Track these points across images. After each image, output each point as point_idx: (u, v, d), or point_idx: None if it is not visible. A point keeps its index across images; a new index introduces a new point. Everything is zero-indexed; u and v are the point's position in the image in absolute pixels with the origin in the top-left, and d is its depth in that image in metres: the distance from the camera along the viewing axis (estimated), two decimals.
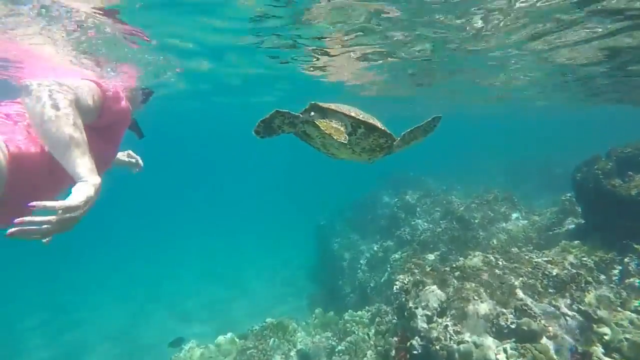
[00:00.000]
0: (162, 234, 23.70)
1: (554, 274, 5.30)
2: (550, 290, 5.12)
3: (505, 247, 7.05)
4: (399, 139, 2.41)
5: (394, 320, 6.45)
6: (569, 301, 4.90)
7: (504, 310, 4.69)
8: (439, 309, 5.04)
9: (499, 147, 28.46)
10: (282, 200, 33.68)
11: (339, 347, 7.43)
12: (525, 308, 4.58)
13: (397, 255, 10.81)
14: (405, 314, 5.27)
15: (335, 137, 1.89)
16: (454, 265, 5.89)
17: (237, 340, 8.44)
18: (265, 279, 16.97)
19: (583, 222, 7.77)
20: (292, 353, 8.05)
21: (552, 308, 4.71)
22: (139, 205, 33.59)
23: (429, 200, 12.33)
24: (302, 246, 19.72)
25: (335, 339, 8.11)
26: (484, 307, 4.80)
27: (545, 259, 5.77)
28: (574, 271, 5.33)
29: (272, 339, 8.21)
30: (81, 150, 1.85)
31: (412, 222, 11.66)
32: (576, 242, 7.16)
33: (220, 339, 8.21)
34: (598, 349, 4.35)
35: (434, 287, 5.30)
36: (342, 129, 1.99)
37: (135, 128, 3.03)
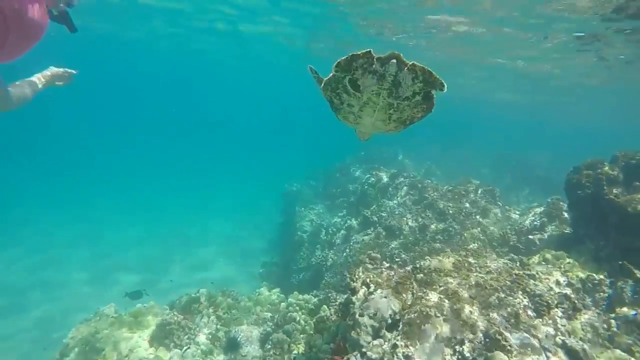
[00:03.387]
0: (134, 185, 22.07)
1: (537, 292, 4.27)
2: (530, 313, 4.10)
3: (481, 249, 6.02)
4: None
5: (339, 317, 5.38)
6: (552, 330, 3.89)
7: (471, 335, 3.63)
8: (389, 321, 3.95)
9: (485, 139, 27.62)
10: (254, 163, 32.27)
11: (273, 336, 6.39)
12: (499, 337, 3.53)
13: (359, 237, 9.78)
14: (348, 320, 4.17)
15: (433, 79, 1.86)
16: (418, 265, 4.80)
17: (158, 310, 7.29)
18: (225, 242, 15.81)
19: (571, 230, 6.81)
20: (221, 334, 6.98)
21: (532, 339, 3.68)
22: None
23: (403, 181, 11.21)
24: (269, 211, 18.66)
25: (272, 324, 7.06)
26: (446, 327, 3.74)
27: (528, 272, 4.74)
28: (562, 292, 4.33)
29: (199, 315, 7.10)
30: None
31: (381, 203, 10.57)
32: (560, 252, 6.20)
33: (139, 308, 7.02)
34: None
35: (389, 291, 4.19)
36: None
37: (66, 19, 2.52)
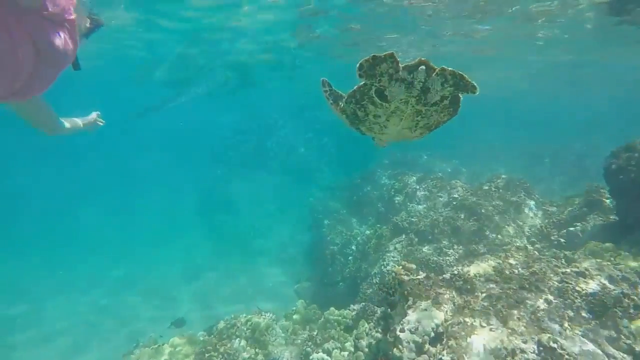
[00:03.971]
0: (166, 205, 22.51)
1: (590, 292, 3.97)
2: (584, 315, 3.80)
3: (520, 248, 5.72)
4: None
5: (378, 333, 5.20)
6: (613, 333, 3.59)
7: (522, 345, 3.39)
8: (432, 335, 3.74)
9: (510, 131, 26.82)
10: (287, 171, 32.04)
11: (313, 356, 6.24)
12: (554, 345, 3.28)
13: (391, 245, 9.54)
14: (389, 336, 3.99)
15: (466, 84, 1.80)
16: (456, 272, 4.57)
17: (198, 337, 7.29)
18: (256, 262, 15.76)
19: (616, 219, 6.39)
20: (260, 357, 6.88)
21: (591, 345, 3.40)
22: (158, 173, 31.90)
23: (431, 184, 10.93)
24: (297, 226, 18.52)
25: (311, 343, 6.92)
26: (494, 337, 3.50)
27: (575, 269, 4.44)
28: (618, 290, 4.00)
29: (237, 340, 7.04)
30: None
31: (411, 208, 10.32)
32: (608, 244, 5.82)
33: (177, 337, 7.03)
34: None
35: (428, 302, 3.99)
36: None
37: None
